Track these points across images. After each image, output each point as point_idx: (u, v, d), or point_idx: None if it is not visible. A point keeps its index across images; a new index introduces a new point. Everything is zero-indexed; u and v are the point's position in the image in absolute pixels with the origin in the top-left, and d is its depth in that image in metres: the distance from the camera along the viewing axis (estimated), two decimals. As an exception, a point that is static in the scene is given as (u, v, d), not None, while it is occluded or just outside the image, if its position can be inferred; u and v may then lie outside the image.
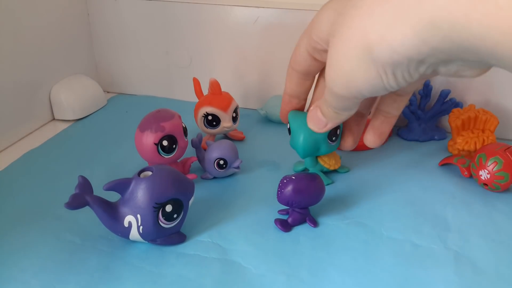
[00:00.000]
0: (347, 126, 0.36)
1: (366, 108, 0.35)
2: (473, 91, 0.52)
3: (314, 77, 0.36)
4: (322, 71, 0.35)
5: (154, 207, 0.32)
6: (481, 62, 0.21)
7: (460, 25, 0.18)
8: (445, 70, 0.23)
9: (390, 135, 0.53)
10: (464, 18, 0.18)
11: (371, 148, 0.50)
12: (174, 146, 0.40)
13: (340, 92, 0.27)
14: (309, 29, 0.31)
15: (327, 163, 0.42)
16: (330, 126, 0.33)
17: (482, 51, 0.19)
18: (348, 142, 0.37)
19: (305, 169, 0.44)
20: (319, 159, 0.42)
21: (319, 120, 0.33)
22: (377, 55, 0.22)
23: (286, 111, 0.39)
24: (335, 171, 0.45)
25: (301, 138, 0.37)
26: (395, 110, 0.33)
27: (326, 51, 0.30)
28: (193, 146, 0.43)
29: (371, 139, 0.34)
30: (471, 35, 0.18)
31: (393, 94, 0.32)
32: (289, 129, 0.39)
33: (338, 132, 0.38)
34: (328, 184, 0.42)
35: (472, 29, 0.18)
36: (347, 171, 0.45)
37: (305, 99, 0.38)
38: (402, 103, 0.32)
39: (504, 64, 0.19)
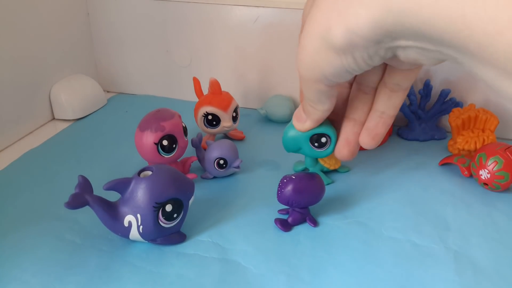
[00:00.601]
0: (343, 135, 0.35)
1: (362, 114, 0.34)
2: (473, 90, 0.52)
3: None
4: None
5: (154, 207, 0.32)
6: (434, 51, 0.21)
7: (410, 11, 0.19)
8: (404, 55, 0.23)
9: (390, 135, 0.53)
10: (414, 4, 0.19)
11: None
12: (174, 145, 0.40)
13: (306, 75, 0.28)
14: (302, 15, 0.32)
15: (327, 162, 0.42)
16: (308, 124, 0.34)
17: (433, 38, 0.19)
18: (342, 152, 0.35)
19: (305, 169, 0.44)
20: (319, 159, 0.42)
21: (300, 116, 0.34)
22: (335, 36, 0.23)
23: None
24: (335, 170, 0.45)
25: (287, 133, 0.37)
26: (390, 109, 0.32)
27: None
28: (193, 145, 0.43)
29: (365, 140, 0.34)
30: (421, 21, 0.19)
31: (387, 90, 0.31)
32: None
33: (323, 141, 0.36)
34: (328, 184, 0.42)
35: (422, 16, 0.19)
36: (347, 171, 0.45)
37: None
38: (397, 101, 0.31)
39: (451, 53, 0.20)
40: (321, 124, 0.35)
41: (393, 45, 0.22)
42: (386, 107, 0.32)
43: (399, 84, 0.30)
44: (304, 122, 0.34)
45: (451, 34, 0.18)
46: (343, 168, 0.45)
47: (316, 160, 0.42)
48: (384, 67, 0.30)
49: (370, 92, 0.32)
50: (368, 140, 0.33)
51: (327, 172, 0.44)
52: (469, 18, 0.17)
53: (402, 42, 0.22)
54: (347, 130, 0.34)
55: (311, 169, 0.43)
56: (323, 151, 0.37)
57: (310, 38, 0.25)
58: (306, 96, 0.30)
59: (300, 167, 0.45)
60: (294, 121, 0.35)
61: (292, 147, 0.37)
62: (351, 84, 0.34)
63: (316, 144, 0.37)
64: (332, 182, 0.43)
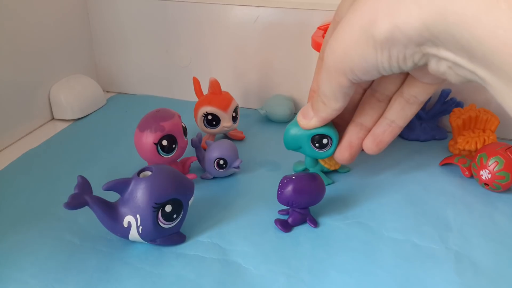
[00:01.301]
0: (347, 138, 0.35)
1: (370, 120, 0.34)
2: (474, 90, 0.52)
3: None
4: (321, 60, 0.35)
5: (153, 207, 0.32)
6: (467, 70, 0.21)
7: (465, 25, 0.19)
8: (435, 66, 0.23)
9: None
10: (472, 19, 0.18)
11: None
12: (173, 146, 0.40)
13: (334, 66, 0.27)
14: (335, 12, 0.31)
15: (328, 163, 0.42)
16: (315, 121, 0.33)
17: (477, 55, 0.19)
18: (344, 155, 0.35)
19: (305, 169, 0.44)
20: (319, 160, 0.42)
21: (307, 113, 0.34)
22: (379, 29, 0.23)
23: None
24: (335, 171, 0.45)
25: (288, 130, 0.37)
26: (401, 119, 0.32)
27: None
28: (193, 145, 0.43)
29: (368, 145, 0.34)
30: (472, 38, 0.19)
31: (402, 100, 0.31)
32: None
33: (324, 142, 0.36)
34: (328, 184, 0.42)
35: (476, 33, 0.18)
36: (347, 171, 0.45)
37: None
38: (410, 112, 0.31)
39: (486, 76, 0.20)
40: (324, 125, 0.35)
41: (431, 52, 0.22)
42: (398, 117, 0.32)
43: (416, 97, 0.30)
44: (310, 120, 0.34)
45: (499, 58, 0.18)
46: (343, 169, 0.45)
47: (316, 161, 0.42)
48: (404, 78, 0.30)
49: (384, 100, 0.32)
50: (372, 145, 0.33)
51: (327, 173, 0.44)
52: None
53: (442, 52, 0.21)
54: (352, 133, 0.34)
55: (311, 170, 0.43)
56: (323, 152, 0.37)
57: (350, 28, 0.25)
58: (323, 89, 0.30)
59: (300, 168, 0.44)
60: (300, 117, 0.35)
61: (293, 145, 0.37)
62: (364, 90, 0.34)
63: (317, 144, 0.37)
64: (333, 182, 0.43)
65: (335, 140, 0.36)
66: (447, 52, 0.21)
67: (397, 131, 0.33)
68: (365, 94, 0.34)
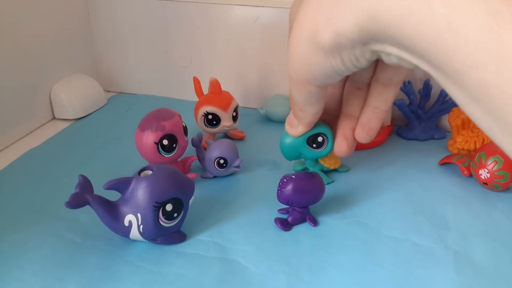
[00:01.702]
0: (340, 131, 0.35)
1: (357, 109, 0.34)
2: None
3: None
4: None
5: (154, 206, 0.32)
6: (411, 62, 0.22)
7: (394, 24, 0.20)
8: (387, 59, 0.24)
9: (389, 134, 0.53)
10: (399, 19, 0.19)
11: (371, 147, 0.50)
12: (174, 145, 0.40)
13: (296, 77, 0.28)
14: (289, 15, 0.32)
15: (327, 162, 0.42)
16: (301, 128, 0.34)
17: (413, 52, 0.20)
18: (342, 148, 0.35)
19: (305, 169, 0.44)
20: (319, 159, 0.42)
21: (292, 121, 0.35)
22: (322, 38, 0.23)
23: None
24: (335, 170, 0.45)
25: (283, 141, 0.37)
26: (383, 103, 0.32)
27: None
28: (193, 145, 0.43)
29: (360, 135, 0.34)
30: (404, 36, 0.19)
31: (379, 85, 0.31)
32: None
33: (319, 140, 0.37)
34: (328, 184, 0.42)
35: (406, 31, 0.19)
36: (347, 170, 0.45)
37: None
38: (389, 95, 0.32)
39: (428, 69, 0.20)
40: (317, 125, 0.35)
41: (378, 49, 0.23)
42: (379, 102, 0.32)
43: (390, 79, 0.31)
44: (296, 127, 0.35)
45: (431, 55, 0.19)
46: (342, 168, 0.45)
47: (316, 160, 0.42)
48: (376, 63, 0.31)
49: (363, 87, 0.33)
50: (363, 134, 0.34)
51: (327, 172, 0.44)
52: (451, 47, 0.17)
53: (387, 48, 0.22)
54: (344, 126, 0.35)
55: (311, 169, 0.43)
56: (322, 151, 0.37)
57: (299, 40, 0.26)
58: (295, 99, 0.31)
59: (300, 167, 0.45)
60: (287, 127, 0.36)
61: (292, 154, 0.38)
62: (343, 83, 0.34)
63: (314, 145, 0.37)
64: (332, 181, 0.43)
65: (329, 136, 0.36)
66: (391, 47, 0.22)
67: (383, 115, 0.33)
68: (345, 85, 0.34)
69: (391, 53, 0.22)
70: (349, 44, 0.23)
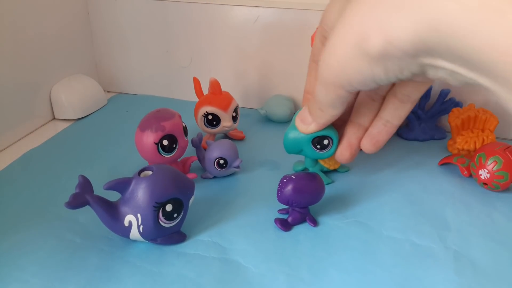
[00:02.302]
0: (346, 138, 0.35)
1: (367, 120, 0.34)
2: (472, 90, 0.52)
3: None
4: (315, 62, 0.34)
5: (154, 207, 0.32)
6: (467, 77, 0.21)
7: (461, 35, 0.18)
8: (433, 74, 0.23)
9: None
10: (467, 30, 0.18)
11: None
12: (174, 145, 0.40)
13: (330, 79, 0.27)
14: (321, 20, 0.31)
15: (327, 163, 0.42)
16: (313, 127, 0.33)
17: (475, 64, 0.19)
18: (344, 155, 0.35)
19: (305, 169, 0.44)
20: (319, 160, 0.42)
21: (305, 118, 0.33)
22: (371, 45, 0.22)
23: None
24: (334, 170, 0.45)
25: (288, 135, 0.37)
26: (395, 119, 0.32)
27: None
28: (193, 145, 0.43)
29: (366, 146, 0.34)
30: (469, 47, 0.18)
31: (396, 100, 0.31)
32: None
33: (325, 142, 0.36)
34: (328, 184, 0.43)
35: (472, 42, 0.18)
36: (347, 171, 0.45)
37: None
38: (404, 112, 0.31)
39: (487, 83, 0.19)
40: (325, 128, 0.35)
41: (428, 63, 0.22)
42: (392, 116, 0.32)
43: (409, 96, 0.30)
44: (309, 125, 0.34)
45: (497, 68, 0.18)
46: (342, 168, 0.45)
47: (316, 160, 0.42)
48: None
49: (378, 99, 0.32)
50: (369, 146, 0.33)
51: (326, 172, 0.44)
52: None
53: (439, 62, 0.21)
54: (351, 134, 0.34)
55: (311, 169, 0.43)
56: (324, 153, 0.37)
57: (342, 44, 0.25)
58: (320, 99, 0.30)
59: (300, 167, 0.45)
60: (298, 122, 0.34)
61: (294, 149, 0.37)
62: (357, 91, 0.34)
63: (318, 146, 0.37)
64: (332, 182, 0.43)
65: (335, 140, 0.36)
66: (445, 62, 0.21)
67: (393, 130, 0.33)
68: (359, 94, 0.34)
69: (444, 67, 0.21)
70: (399, 55, 0.22)
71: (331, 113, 0.31)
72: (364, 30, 0.23)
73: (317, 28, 0.51)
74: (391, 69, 0.23)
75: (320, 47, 0.33)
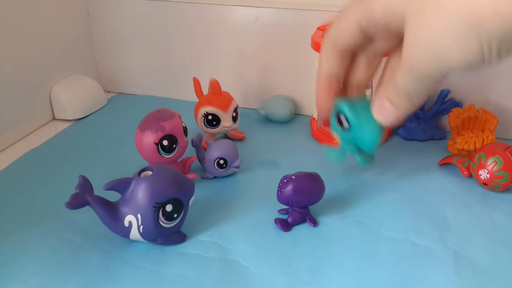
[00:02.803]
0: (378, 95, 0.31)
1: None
2: (472, 90, 0.52)
3: (351, 55, 0.32)
4: (391, 54, 0.32)
5: (154, 207, 0.32)
6: None
7: None
8: None
9: (389, 135, 0.53)
10: None
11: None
12: (174, 145, 0.40)
13: (425, 70, 0.25)
14: (362, 9, 0.29)
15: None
16: (399, 115, 0.30)
17: None
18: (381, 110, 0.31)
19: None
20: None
21: (388, 110, 0.30)
22: (487, 26, 0.21)
23: (325, 97, 0.33)
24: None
25: (374, 129, 0.32)
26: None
27: (387, 27, 0.28)
28: (193, 145, 0.43)
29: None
30: None
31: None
32: (339, 120, 0.33)
33: (341, 118, 0.33)
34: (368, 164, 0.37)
35: None
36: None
37: (343, 82, 0.34)
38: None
39: None
40: (346, 105, 0.32)
41: None
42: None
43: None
44: (393, 116, 0.30)
45: None
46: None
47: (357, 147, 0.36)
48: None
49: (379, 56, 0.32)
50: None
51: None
52: None
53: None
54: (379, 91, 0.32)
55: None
56: (344, 133, 0.33)
57: (446, 22, 0.23)
58: (408, 87, 0.27)
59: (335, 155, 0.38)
60: (379, 116, 0.31)
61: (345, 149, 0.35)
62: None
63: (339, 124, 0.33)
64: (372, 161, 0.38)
65: (353, 121, 0.32)
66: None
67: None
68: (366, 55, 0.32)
69: None
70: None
71: (419, 100, 0.28)
72: (475, 12, 0.21)
73: (317, 28, 0.51)
74: (505, 50, 0.22)
75: (355, 33, 0.30)
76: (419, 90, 0.27)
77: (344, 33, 0.30)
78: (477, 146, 0.46)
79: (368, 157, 0.37)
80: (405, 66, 0.26)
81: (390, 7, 0.27)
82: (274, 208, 0.39)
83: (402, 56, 0.26)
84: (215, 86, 0.48)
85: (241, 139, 0.52)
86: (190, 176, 0.41)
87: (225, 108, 0.47)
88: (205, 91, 0.50)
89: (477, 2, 0.21)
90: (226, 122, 0.48)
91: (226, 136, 0.52)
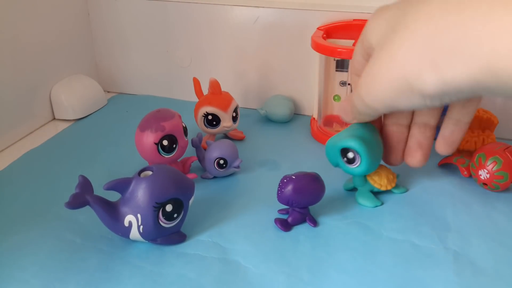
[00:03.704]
0: (414, 139, 0.34)
1: (433, 118, 0.34)
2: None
3: None
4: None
5: (154, 207, 0.32)
6: None
7: None
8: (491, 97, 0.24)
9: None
10: None
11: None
12: (174, 145, 0.40)
13: (373, 104, 0.28)
14: (362, 35, 0.31)
15: (377, 182, 0.40)
16: (349, 121, 0.34)
17: None
18: (416, 157, 0.34)
19: (354, 188, 0.41)
20: (368, 178, 0.40)
21: (345, 112, 0.33)
22: (425, 83, 0.23)
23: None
24: (388, 191, 0.41)
25: (327, 143, 0.37)
26: (465, 116, 0.32)
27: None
28: (193, 145, 0.43)
29: (441, 148, 0.33)
30: None
31: (462, 100, 0.31)
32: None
33: (350, 156, 0.36)
34: (376, 206, 0.40)
35: None
36: (404, 191, 0.42)
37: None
38: (472, 108, 0.31)
39: None
40: (348, 138, 0.35)
41: (485, 94, 0.23)
42: (461, 115, 0.32)
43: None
44: (349, 118, 0.34)
45: None
46: (399, 189, 0.42)
47: (364, 179, 0.40)
48: None
49: None
50: (445, 147, 0.33)
51: (377, 193, 0.41)
52: None
53: (496, 94, 0.22)
54: (418, 134, 0.34)
55: (359, 189, 0.40)
56: (355, 168, 0.37)
57: (389, 77, 0.25)
58: (358, 108, 0.30)
59: (349, 186, 0.42)
60: (342, 114, 0.34)
61: (331, 158, 0.38)
62: None
63: (344, 158, 0.37)
64: (382, 204, 0.40)
65: (363, 156, 0.36)
66: (504, 95, 0.21)
67: (465, 127, 0.32)
68: None
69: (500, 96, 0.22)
70: (455, 92, 0.22)
71: (364, 119, 0.32)
72: (416, 68, 0.23)
73: (317, 28, 0.51)
74: (447, 99, 0.24)
75: (361, 61, 0.32)
76: (365, 113, 0.31)
77: (355, 65, 0.33)
78: (477, 146, 0.45)
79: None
80: (356, 91, 0.29)
81: (371, 41, 0.29)
82: (274, 208, 0.39)
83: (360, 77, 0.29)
84: (215, 86, 0.48)
85: (241, 139, 0.52)
86: (190, 176, 0.41)
87: (225, 108, 0.47)
88: (205, 91, 0.50)
89: (416, 62, 0.23)
90: (226, 122, 0.48)
91: (226, 136, 0.52)
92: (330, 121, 0.54)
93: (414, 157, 0.34)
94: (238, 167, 0.43)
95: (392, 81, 0.25)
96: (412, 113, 0.35)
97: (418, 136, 0.34)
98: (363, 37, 0.30)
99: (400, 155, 0.37)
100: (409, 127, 0.36)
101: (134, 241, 0.35)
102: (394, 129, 0.36)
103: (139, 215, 0.32)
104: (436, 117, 0.34)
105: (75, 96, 0.57)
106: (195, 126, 0.50)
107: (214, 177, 0.44)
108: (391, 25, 0.26)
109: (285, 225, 0.37)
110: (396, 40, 0.24)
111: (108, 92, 0.66)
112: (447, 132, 0.33)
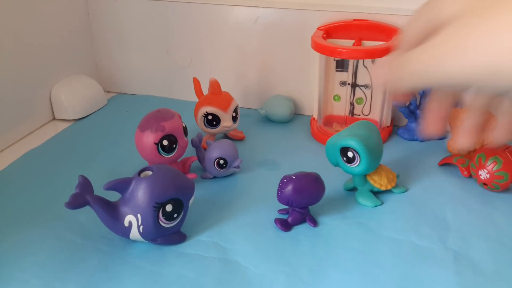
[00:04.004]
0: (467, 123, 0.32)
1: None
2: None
3: None
4: None
5: (154, 207, 0.32)
6: None
7: None
8: None
9: (389, 135, 0.53)
10: None
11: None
12: (174, 145, 0.40)
13: (442, 81, 0.24)
14: (429, 5, 0.27)
15: (377, 182, 0.40)
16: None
17: None
18: (466, 140, 0.31)
19: (354, 188, 0.41)
20: (368, 178, 0.40)
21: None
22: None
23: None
24: (388, 191, 0.42)
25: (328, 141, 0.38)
26: None
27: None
28: (193, 145, 0.43)
29: (500, 135, 0.33)
30: None
31: None
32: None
33: (349, 155, 0.37)
34: (376, 206, 0.40)
35: None
36: (404, 191, 0.42)
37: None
38: None
39: None
40: (348, 137, 0.36)
41: None
42: None
43: None
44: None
45: None
46: (398, 188, 0.42)
47: (364, 179, 0.40)
48: None
49: None
50: (504, 134, 0.32)
51: (377, 193, 0.41)
52: None
53: None
54: (471, 119, 0.32)
55: (359, 188, 0.40)
56: (355, 168, 0.37)
57: (494, 49, 0.23)
58: (406, 85, 0.27)
59: (350, 186, 0.42)
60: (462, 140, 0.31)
61: (330, 158, 0.39)
62: None
63: (344, 158, 0.37)
64: (381, 203, 0.40)
65: (362, 154, 0.36)
66: None
67: None
68: None
69: None
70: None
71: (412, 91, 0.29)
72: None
73: (317, 28, 0.51)
74: None
75: (418, 36, 0.29)
76: (414, 88, 0.27)
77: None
78: (477, 147, 0.45)
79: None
80: (411, 64, 0.27)
81: (413, 42, 0.27)
82: (274, 208, 0.39)
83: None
84: (215, 86, 0.48)
85: (241, 139, 0.52)
86: (190, 176, 0.41)
87: (225, 108, 0.47)
88: (205, 91, 0.50)
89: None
90: (226, 122, 0.48)
91: (226, 136, 0.52)
92: (330, 121, 0.54)
93: (465, 140, 0.33)
94: (238, 167, 0.43)
95: (496, 53, 0.21)
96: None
97: (471, 120, 0.33)
98: (431, 7, 0.28)
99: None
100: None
101: (134, 241, 0.35)
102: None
103: (139, 215, 0.32)
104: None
105: (75, 96, 0.57)
106: (195, 126, 0.50)
107: (214, 177, 0.44)
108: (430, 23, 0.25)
109: (285, 225, 0.37)
110: (504, 10, 0.22)
111: (108, 92, 0.66)
112: (506, 119, 0.32)
